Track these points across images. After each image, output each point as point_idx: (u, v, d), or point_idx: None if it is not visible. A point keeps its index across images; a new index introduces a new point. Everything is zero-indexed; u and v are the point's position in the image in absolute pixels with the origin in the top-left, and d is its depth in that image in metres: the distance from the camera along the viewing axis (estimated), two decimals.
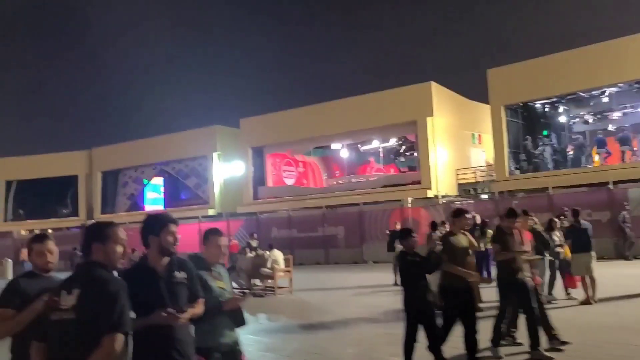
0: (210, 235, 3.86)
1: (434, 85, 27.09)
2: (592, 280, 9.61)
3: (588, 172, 22.33)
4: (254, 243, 17.27)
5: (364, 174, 33.26)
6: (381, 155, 33.20)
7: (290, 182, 33.90)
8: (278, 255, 14.61)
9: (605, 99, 24.72)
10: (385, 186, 28.12)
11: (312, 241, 26.26)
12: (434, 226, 10.48)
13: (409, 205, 25.46)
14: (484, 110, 32.67)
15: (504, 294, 6.37)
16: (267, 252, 14.61)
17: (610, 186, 19.47)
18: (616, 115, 26.62)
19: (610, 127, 26.79)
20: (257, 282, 14.89)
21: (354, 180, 31.12)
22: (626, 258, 17.59)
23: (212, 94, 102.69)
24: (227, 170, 34.65)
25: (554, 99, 25.17)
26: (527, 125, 26.28)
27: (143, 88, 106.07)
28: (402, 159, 33.82)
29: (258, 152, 33.01)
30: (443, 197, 26.45)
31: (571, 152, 26.61)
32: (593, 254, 9.70)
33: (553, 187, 21.75)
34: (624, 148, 23.24)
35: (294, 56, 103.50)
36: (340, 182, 31.88)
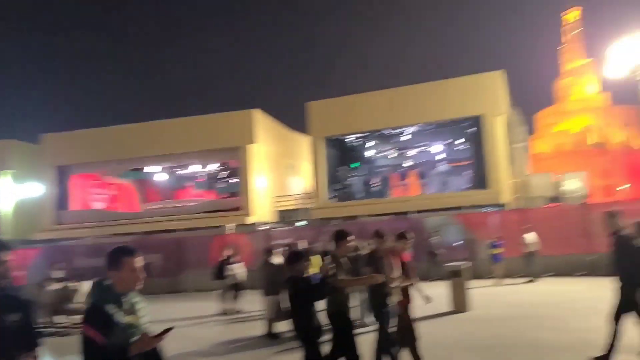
0: (121, 256, 3.06)
1: (258, 113, 27.57)
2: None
3: (392, 202, 24.62)
4: (58, 274, 15.36)
5: (182, 199, 32.17)
6: (201, 180, 32.55)
7: (99, 205, 31.15)
8: (84, 287, 13.16)
9: (406, 137, 27.82)
10: (205, 212, 27.49)
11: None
12: (268, 253, 10.46)
13: (230, 232, 25.23)
14: (303, 140, 34.36)
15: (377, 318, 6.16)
16: (77, 284, 13.08)
17: (409, 215, 21.70)
18: (413, 152, 30.18)
19: (408, 162, 30.22)
20: (63, 318, 13.20)
21: (172, 206, 29.83)
22: (433, 279, 19.46)
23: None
24: (21, 191, 30.46)
25: (365, 134, 27.47)
26: (341, 157, 28.18)
27: None
28: (223, 185, 33.57)
29: (62, 173, 29.74)
30: (263, 223, 26.84)
31: (377, 184, 29.29)
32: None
33: (363, 215, 23.57)
34: (421, 181, 26.36)
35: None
36: (157, 207, 30.27)
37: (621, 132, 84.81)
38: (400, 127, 26.21)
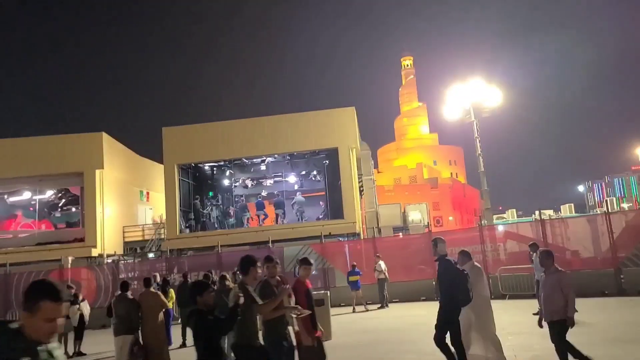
0: (40, 298, 2.34)
1: (105, 137, 25.71)
2: None
3: (250, 231, 24.41)
4: None
5: (9, 230, 28.49)
6: (31, 208, 29.13)
7: None
8: None
9: (263, 167, 27.94)
10: (40, 244, 24.61)
11: None
12: (124, 286, 9.56)
13: (69, 266, 22.87)
14: (153, 167, 32.75)
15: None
16: None
17: (270, 244, 21.69)
18: (269, 182, 30.41)
19: (264, 192, 30.34)
20: None
21: None
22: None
23: None
24: None
25: (221, 163, 27.01)
26: (196, 186, 27.32)
27: None
28: (58, 214, 30.41)
29: None
30: (109, 256, 24.83)
31: (232, 214, 28.93)
32: None
33: (221, 245, 23.01)
34: (278, 211, 26.55)
35: None
36: None
37: (448, 168, 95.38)
38: (258, 157, 26.27)
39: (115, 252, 25.05)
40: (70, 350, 13.31)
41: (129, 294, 9.34)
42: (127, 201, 28.78)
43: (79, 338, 13.44)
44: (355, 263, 18.58)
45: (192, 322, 4.59)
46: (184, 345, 12.78)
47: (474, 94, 21.12)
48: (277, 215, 26.13)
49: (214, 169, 28.16)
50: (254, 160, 26.99)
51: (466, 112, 21.68)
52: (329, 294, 12.88)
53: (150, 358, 9.03)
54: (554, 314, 6.70)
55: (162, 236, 28.10)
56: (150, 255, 27.23)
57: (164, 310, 9.66)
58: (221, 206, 28.07)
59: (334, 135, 24.14)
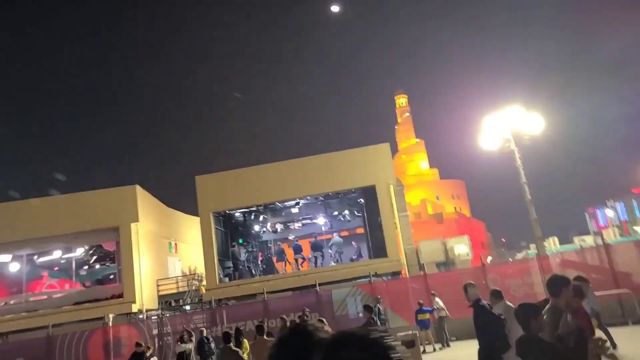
0: None
1: (139, 189, 25.51)
2: None
3: (292, 276, 23.88)
4: None
5: (40, 291, 27.96)
6: (59, 268, 28.64)
7: None
8: None
9: (295, 210, 27.65)
10: (77, 303, 24.02)
11: None
12: (227, 338, 9.09)
13: (110, 323, 22.26)
14: (179, 217, 32.51)
15: None
16: None
17: (317, 288, 21.16)
18: (297, 225, 30.08)
19: (291, 236, 29.92)
20: None
21: (31, 299, 25.63)
22: None
23: None
24: None
25: (253, 208, 26.70)
26: (226, 233, 26.91)
27: None
28: (84, 272, 29.86)
29: None
30: (147, 310, 24.29)
31: (266, 259, 28.52)
32: None
33: (269, 292, 22.56)
34: (316, 254, 26.08)
35: None
36: (12, 302, 25.74)
37: (451, 202, 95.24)
38: (291, 200, 26.00)
39: (159, 307, 24.49)
40: None
41: (232, 345, 8.90)
42: (158, 254, 28.35)
43: None
44: (422, 301, 18.06)
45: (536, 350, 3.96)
46: None
47: (513, 122, 21.05)
48: (315, 258, 25.64)
49: (245, 215, 27.83)
50: (287, 203, 26.73)
51: (505, 141, 21.58)
52: (417, 334, 12.37)
53: None
54: None
55: (196, 287, 27.58)
56: (187, 307, 26.63)
57: None
58: (253, 252, 27.63)
59: (370, 172, 23.96)
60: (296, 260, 25.74)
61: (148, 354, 13.15)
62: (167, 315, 23.58)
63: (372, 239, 25.03)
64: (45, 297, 25.87)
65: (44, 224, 24.42)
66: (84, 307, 23.66)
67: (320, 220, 29.41)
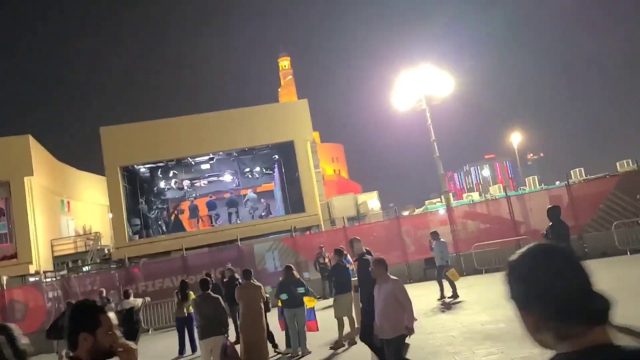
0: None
1: (32, 140, 22.95)
2: (352, 321, 9.97)
3: (209, 232, 23.23)
4: None
5: None
6: None
7: None
8: None
9: (206, 166, 26.71)
10: None
11: None
12: (205, 285, 8.54)
13: (4, 286, 20.11)
14: (73, 174, 29.96)
15: None
16: None
17: (239, 243, 20.81)
18: (203, 182, 29.22)
19: (195, 194, 29.01)
20: None
21: None
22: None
23: None
24: None
25: (161, 164, 25.32)
26: (131, 189, 25.31)
27: None
28: None
29: None
30: (45, 272, 22.28)
31: (174, 215, 27.46)
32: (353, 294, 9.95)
33: (173, 250, 21.84)
34: (231, 210, 25.55)
35: None
36: None
37: (330, 165, 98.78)
38: (205, 155, 25.04)
39: (54, 268, 22.56)
40: None
41: (211, 292, 8.49)
42: (51, 212, 25.96)
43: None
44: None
45: None
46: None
47: (426, 82, 21.75)
48: (229, 214, 25.16)
49: (152, 171, 26.34)
50: (198, 159, 25.72)
51: (418, 101, 22.36)
52: None
53: (250, 353, 8.33)
54: (394, 329, 6.00)
55: (99, 247, 25.82)
56: (85, 268, 24.88)
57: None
58: (163, 209, 26.43)
59: (289, 128, 23.81)
60: (210, 217, 25.07)
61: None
62: (74, 276, 21.78)
63: (290, 195, 25.08)
64: None
65: None
66: None
67: (228, 177, 28.82)
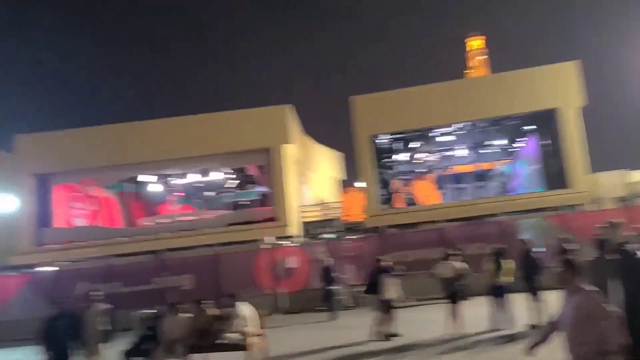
0: None
1: (290, 110, 24.15)
2: None
3: (463, 206, 22.06)
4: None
5: (169, 214, 27.85)
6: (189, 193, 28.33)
7: (80, 222, 25.84)
8: (245, 311, 9.31)
9: (448, 138, 25.51)
10: (231, 224, 23.39)
11: (146, 296, 19.68)
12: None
13: (268, 246, 21.47)
14: (312, 146, 31.19)
15: None
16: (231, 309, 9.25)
17: (501, 217, 19.30)
18: (437, 156, 27.97)
19: (428, 167, 27.96)
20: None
21: (186, 219, 25.36)
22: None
23: None
24: None
25: (405, 135, 24.81)
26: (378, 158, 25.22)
27: None
28: (223, 196, 29.49)
29: (42, 182, 24.31)
30: (298, 237, 23.39)
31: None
32: None
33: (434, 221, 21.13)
34: (455, 186, 24.24)
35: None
36: (165, 221, 25.56)
37: None
38: (453, 124, 23.87)
39: (302, 234, 23.57)
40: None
41: None
42: (296, 181, 27.31)
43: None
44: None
45: None
46: None
47: None
48: (476, 188, 23.78)
49: (391, 142, 26.00)
50: (442, 130, 24.63)
51: None
52: None
53: None
54: None
55: (336, 216, 26.45)
56: (328, 235, 25.63)
57: None
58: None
59: (556, 93, 21.34)
60: (457, 190, 23.93)
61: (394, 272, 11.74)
62: (339, 240, 22.23)
63: (547, 169, 22.65)
64: (196, 217, 25.49)
65: (191, 144, 23.65)
66: (237, 229, 22.98)
67: (463, 151, 27.25)
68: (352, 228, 25.20)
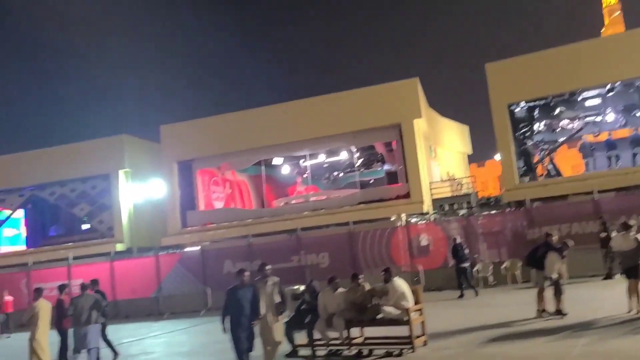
0: None
1: (419, 83, 23.37)
2: None
3: (635, 172, 19.81)
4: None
5: (301, 194, 28.36)
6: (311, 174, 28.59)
7: (219, 205, 27.31)
8: (403, 286, 9.01)
9: (593, 102, 23.06)
10: (362, 203, 23.29)
11: (286, 273, 20.31)
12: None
13: (403, 224, 21.09)
14: (439, 121, 30.02)
15: None
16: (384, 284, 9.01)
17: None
18: (578, 123, 25.34)
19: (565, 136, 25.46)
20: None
21: (314, 199, 25.82)
22: None
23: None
24: (139, 192, 26.90)
25: (547, 100, 22.81)
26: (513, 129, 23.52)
27: None
28: (350, 176, 29.43)
29: (185, 168, 26.02)
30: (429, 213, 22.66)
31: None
32: None
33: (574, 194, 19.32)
34: (611, 153, 21.85)
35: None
36: (298, 202, 26.25)
37: None
38: (601, 87, 21.49)
39: (434, 211, 22.79)
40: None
41: None
42: (425, 156, 26.46)
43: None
44: None
45: None
46: None
47: None
48: (634, 155, 21.28)
49: (529, 110, 24.04)
50: (588, 94, 22.30)
51: None
52: None
53: None
54: None
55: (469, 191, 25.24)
56: (462, 211, 24.59)
57: None
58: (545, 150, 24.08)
59: None
60: (609, 158, 21.67)
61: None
62: (478, 216, 21.26)
63: None
64: (324, 197, 25.82)
65: (323, 124, 23.78)
66: (372, 206, 22.80)
67: (611, 116, 24.39)
68: (486, 203, 23.98)
